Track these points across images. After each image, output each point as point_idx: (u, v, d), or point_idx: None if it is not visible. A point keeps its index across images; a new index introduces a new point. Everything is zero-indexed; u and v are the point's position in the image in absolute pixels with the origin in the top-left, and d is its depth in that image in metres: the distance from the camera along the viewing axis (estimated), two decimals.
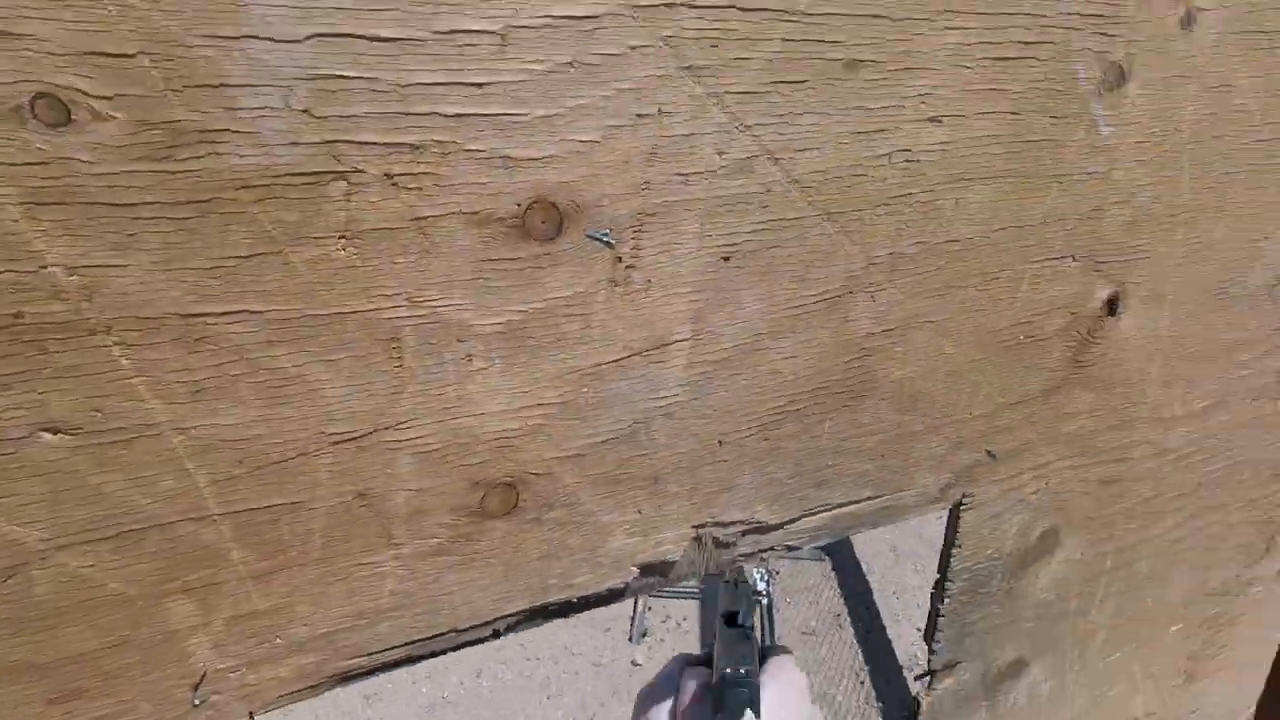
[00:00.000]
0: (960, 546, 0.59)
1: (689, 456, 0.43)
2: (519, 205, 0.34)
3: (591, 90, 0.33)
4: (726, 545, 0.47)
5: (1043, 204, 0.50)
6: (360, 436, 0.34)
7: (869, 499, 0.52)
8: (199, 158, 0.27)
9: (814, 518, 0.50)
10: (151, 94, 0.26)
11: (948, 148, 0.44)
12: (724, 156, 0.37)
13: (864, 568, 4.17)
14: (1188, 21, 0.50)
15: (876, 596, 3.92)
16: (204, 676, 0.34)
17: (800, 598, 3.91)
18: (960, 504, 0.57)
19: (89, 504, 0.30)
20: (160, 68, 0.26)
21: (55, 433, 0.28)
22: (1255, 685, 1.02)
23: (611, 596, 0.44)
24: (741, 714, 0.46)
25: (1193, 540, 0.78)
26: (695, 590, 3.78)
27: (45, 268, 0.26)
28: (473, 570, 0.39)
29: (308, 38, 0.27)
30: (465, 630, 0.40)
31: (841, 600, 3.97)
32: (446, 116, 0.31)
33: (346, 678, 0.38)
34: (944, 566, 0.60)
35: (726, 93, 0.36)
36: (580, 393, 0.38)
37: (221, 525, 0.32)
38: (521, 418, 0.37)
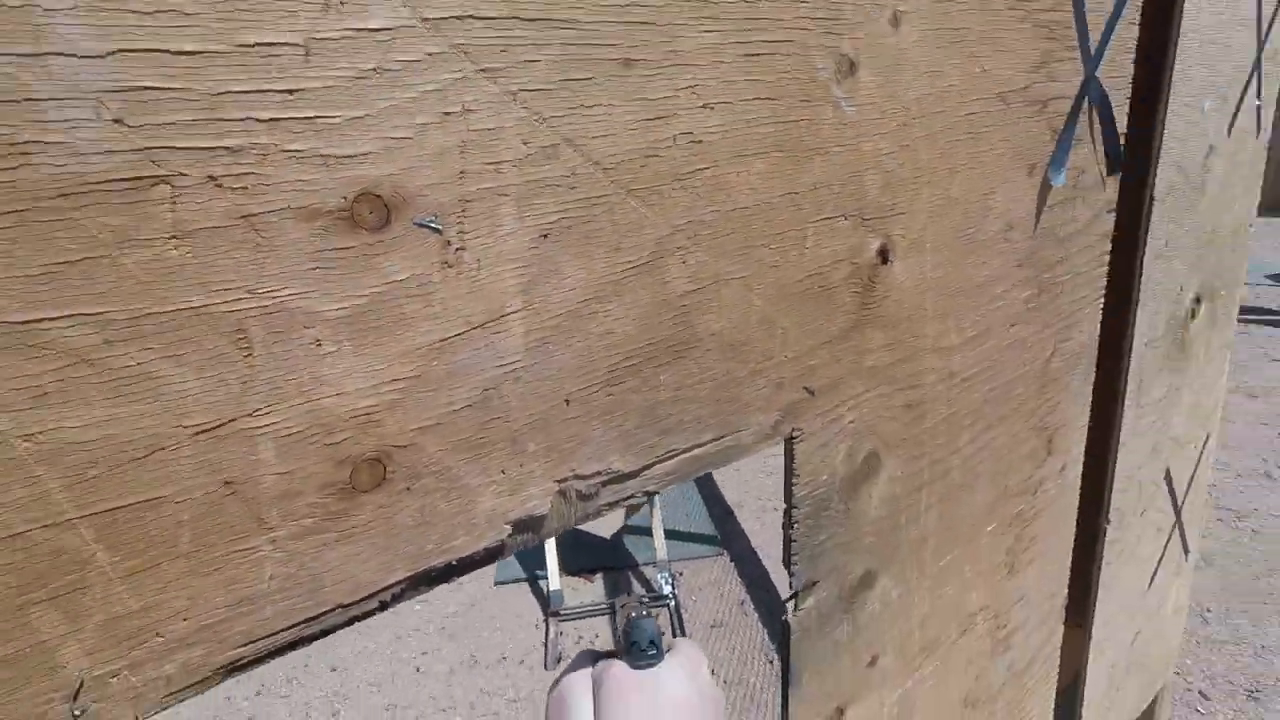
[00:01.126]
0: (799, 476, 0.65)
1: (541, 416, 0.45)
2: (345, 199, 0.35)
3: (397, 93, 0.36)
4: (589, 496, 0.50)
5: (810, 173, 0.57)
6: (218, 426, 0.34)
7: (712, 441, 0.56)
8: (13, 169, 0.27)
9: (665, 463, 0.54)
10: None
11: (723, 129, 0.50)
12: (529, 145, 0.41)
13: (760, 554, 4.30)
14: (895, 22, 0.59)
15: (774, 578, 4.05)
16: (81, 686, 0.33)
17: (705, 593, 3.98)
18: (792, 438, 0.63)
19: None
20: None
21: None
22: (1064, 570, 1.16)
23: (489, 556, 0.45)
24: (646, 645, 0.48)
25: (989, 450, 0.89)
26: (603, 606, 3.76)
27: None
28: (351, 545, 0.39)
29: (110, 53, 0.28)
30: (351, 605, 0.40)
31: (744, 588, 4.07)
32: (261, 121, 0.32)
33: (235, 668, 0.37)
34: (789, 497, 0.66)
35: (522, 90, 0.40)
36: (431, 366, 0.40)
37: (82, 528, 0.31)
38: (378, 394, 0.38)
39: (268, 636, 0.37)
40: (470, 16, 0.38)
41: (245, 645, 0.37)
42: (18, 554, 0.30)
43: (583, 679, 0.50)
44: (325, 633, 0.40)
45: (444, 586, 0.44)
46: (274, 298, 0.34)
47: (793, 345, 0.60)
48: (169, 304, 0.32)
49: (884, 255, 0.66)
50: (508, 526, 0.46)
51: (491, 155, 0.40)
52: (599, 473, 0.50)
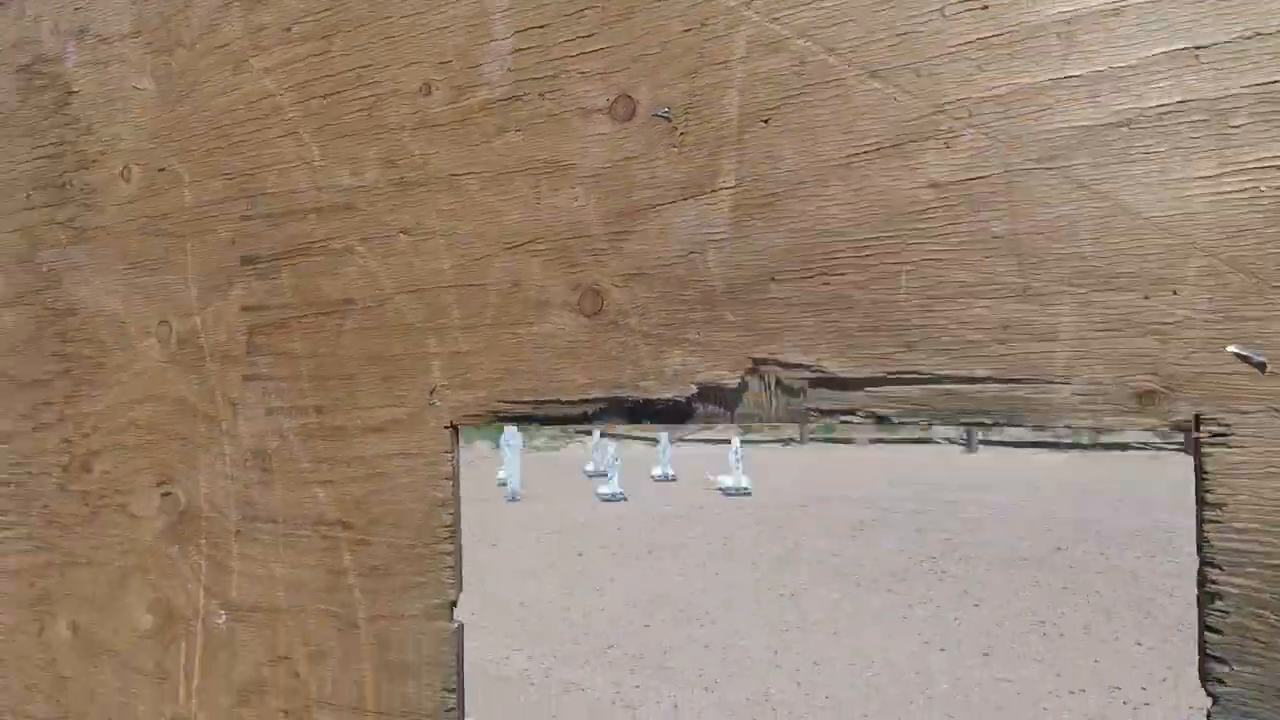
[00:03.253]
0: (1223, 511, 0.38)
1: (742, 289, 0.48)
2: (608, 100, 0.52)
3: (649, 19, 0.51)
4: (794, 391, 0.47)
5: None
6: (525, 244, 0.54)
7: (989, 381, 0.42)
8: None
9: (905, 386, 0.44)
10: None
11: None
12: (756, 42, 0.48)
13: None
14: None
15: None
16: (433, 388, 0.57)
17: None
18: (1200, 431, 0.38)
19: None
20: None
21: None
22: None
23: (675, 409, 0.49)
24: None
25: None
26: None
27: None
28: (570, 357, 0.53)
29: None
30: (565, 403, 0.53)
31: None
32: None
33: (499, 416, 0.55)
34: (1203, 547, 0.38)
35: None
36: (648, 224, 0.50)
37: (447, 294, 0.56)
38: (608, 239, 0.52)
39: (516, 402, 0.54)
40: None
41: (504, 403, 0.55)
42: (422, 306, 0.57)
43: None
44: (549, 418, 0.53)
45: None
46: (561, 156, 0.53)
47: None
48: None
49: None
50: (694, 386, 0.49)
51: (719, 56, 0.49)
52: (804, 367, 0.46)
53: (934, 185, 0.44)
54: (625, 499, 9.78)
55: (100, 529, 0.77)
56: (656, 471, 11.70)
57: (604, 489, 10.05)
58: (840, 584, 5.56)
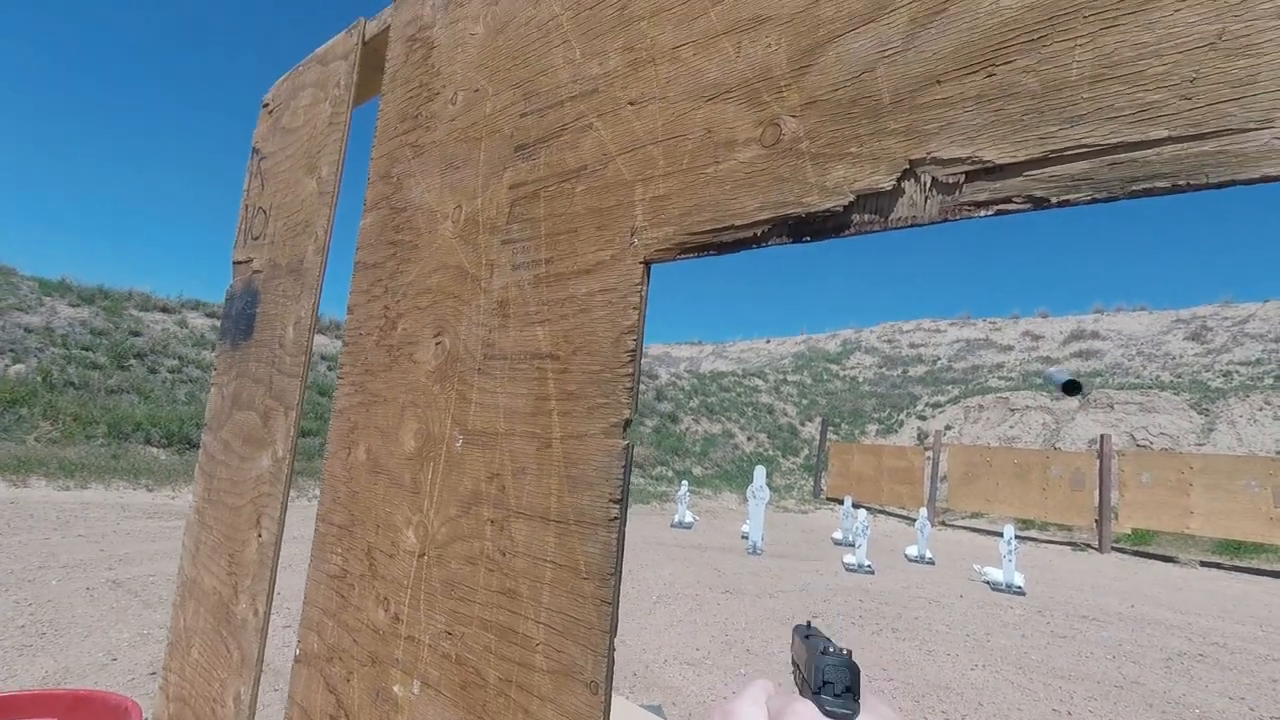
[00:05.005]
0: None
1: (908, 96, 0.49)
2: None
3: None
4: (949, 187, 0.46)
5: None
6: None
7: (1166, 141, 0.38)
8: None
9: (1067, 164, 0.41)
10: None
11: None
12: None
13: None
14: None
15: None
16: (634, 229, 0.66)
17: None
18: None
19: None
20: None
21: None
22: None
23: (832, 220, 0.51)
24: (842, 690, 0.41)
25: None
26: None
27: None
28: (745, 186, 0.58)
29: None
30: (739, 228, 0.58)
31: None
32: None
33: (684, 248, 0.62)
34: None
35: None
36: (827, 55, 0.54)
37: (655, 149, 0.65)
38: (791, 76, 0.57)
39: (690, 235, 0.61)
40: None
41: (688, 235, 0.61)
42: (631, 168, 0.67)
43: (757, 709, 0.43)
44: (722, 245, 0.59)
45: None
46: (762, 10, 0.60)
47: None
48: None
49: None
50: (851, 194, 0.51)
51: None
52: (962, 160, 0.46)
53: None
54: (872, 572, 9.05)
55: (395, 374, 0.99)
56: (911, 551, 10.64)
57: (850, 559, 9.42)
58: (1145, 716, 4.50)
